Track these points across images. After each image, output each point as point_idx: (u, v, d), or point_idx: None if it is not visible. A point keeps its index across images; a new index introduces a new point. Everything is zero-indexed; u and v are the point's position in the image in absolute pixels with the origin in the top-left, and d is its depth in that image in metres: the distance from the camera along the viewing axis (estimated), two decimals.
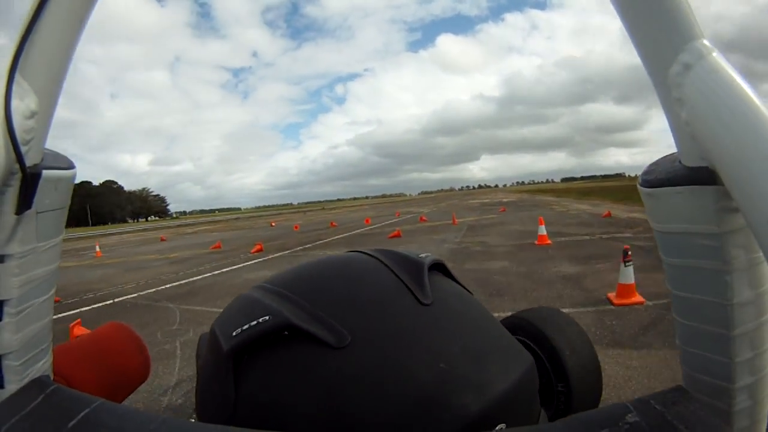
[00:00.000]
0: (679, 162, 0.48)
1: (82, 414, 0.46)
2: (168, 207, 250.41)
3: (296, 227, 34.33)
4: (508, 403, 0.49)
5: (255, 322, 0.51)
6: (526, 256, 12.09)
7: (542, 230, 14.48)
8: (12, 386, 0.55)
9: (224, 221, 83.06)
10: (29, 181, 0.50)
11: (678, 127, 0.46)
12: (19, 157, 0.48)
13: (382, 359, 0.48)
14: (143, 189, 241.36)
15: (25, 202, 0.50)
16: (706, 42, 0.42)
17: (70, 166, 0.58)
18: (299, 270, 0.66)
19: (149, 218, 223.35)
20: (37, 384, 0.54)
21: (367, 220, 34.39)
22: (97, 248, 28.80)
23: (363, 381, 0.47)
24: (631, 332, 5.57)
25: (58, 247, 0.59)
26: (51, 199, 0.54)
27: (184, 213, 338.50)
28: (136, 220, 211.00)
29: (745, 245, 0.46)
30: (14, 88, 0.46)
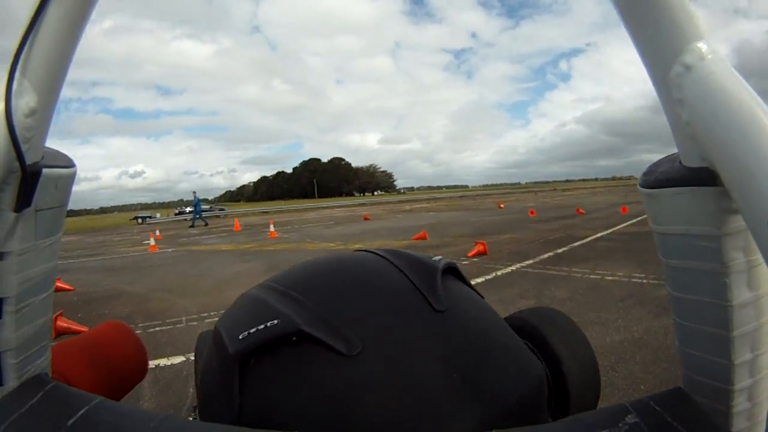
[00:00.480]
0: (680, 162, 0.48)
1: (81, 411, 0.47)
2: (395, 182, 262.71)
3: (532, 212, 26.29)
4: (522, 414, 0.50)
5: (263, 326, 0.50)
6: None
7: None
8: (11, 384, 0.56)
9: (447, 199, 79.43)
10: (29, 179, 0.50)
11: (678, 128, 0.46)
12: (19, 155, 0.48)
13: (395, 368, 0.48)
14: (371, 165, 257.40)
15: (24, 200, 0.50)
16: (707, 43, 0.42)
17: (70, 164, 0.58)
18: (307, 268, 0.64)
19: (375, 192, 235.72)
20: (36, 381, 0.56)
21: (623, 209, 24.47)
22: (272, 228, 24.44)
23: (374, 391, 0.47)
24: None
25: (57, 245, 0.60)
26: (51, 197, 0.55)
27: (412, 189, 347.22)
28: (362, 194, 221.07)
29: (745, 247, 0.46)
30: (14, 86, 0.46)
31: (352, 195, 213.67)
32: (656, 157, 0.56)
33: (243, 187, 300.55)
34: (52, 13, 0.46)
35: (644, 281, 8.06)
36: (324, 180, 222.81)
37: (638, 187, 0.53)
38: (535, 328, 0.71)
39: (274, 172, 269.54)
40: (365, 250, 0.67)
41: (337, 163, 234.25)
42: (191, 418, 0.58)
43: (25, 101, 0.47)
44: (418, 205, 55.37)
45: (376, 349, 0.49)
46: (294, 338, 0.49)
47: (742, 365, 0.49)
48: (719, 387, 0.51)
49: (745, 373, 0.49)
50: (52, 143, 0.55)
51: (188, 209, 65.08)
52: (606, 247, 12.30)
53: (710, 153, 0.43)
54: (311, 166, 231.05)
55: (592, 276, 8.79)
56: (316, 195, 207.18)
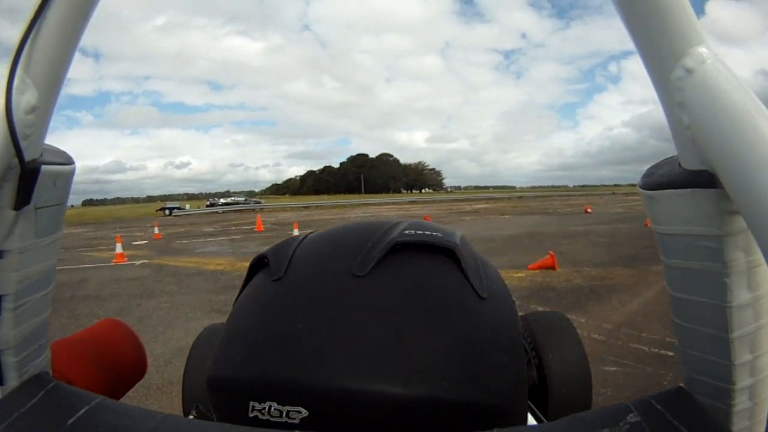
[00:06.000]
0: (679, 165, 0.49)
1: (81, 411, 0.47)
2: (443, 181, 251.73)
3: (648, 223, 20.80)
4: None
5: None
6: None
7: None
8: (11, 383, 0.56)
9: (504, 199, 72.85)
10: (28, 176, 0.50)
11: (679, 131, 0.47)
12: (18, 152, 0.47)
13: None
14: (419, 162, 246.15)
15: (23, 197, 0.50)
16: (708, 47, 0.43)
17: (70, 161, 0.58)
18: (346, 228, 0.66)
19: (422, 190, 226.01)
20: (37, 381, 0.56)
21: None
22: (296, 232, 17.09)
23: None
24: None
25: (57, 243, 0.60)
26: (50, 194, 0.55)
27: (459, 188, 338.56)
28: (410, 191, 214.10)
29: (745, 248, 0.46)
30: (15, 82, 0.46)
31: (399, 192, 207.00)
32: None
33: (289, 180, 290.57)
34: (55, 10, 0.46)
35: None
36: (371, 176, 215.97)
37: (638, 188, 0.53)
38: (531, 331, 0.78)
39: (321, 166, 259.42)
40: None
41: (385, 160, 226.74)
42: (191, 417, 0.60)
43: (25, 98, 0.47)
44: (478, 206, 50.76)
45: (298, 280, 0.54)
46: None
47: (742, 365, 0.49)
48: (720, 386, 0.51)
49: (746, 373, 0.49)
50: (51, 140, 0.55)
51: (221, 201, 59.89)
52: None
53: (710, 156, 0.43)
54: (358, 161, 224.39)
55: None
56: (363, 191, 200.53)
